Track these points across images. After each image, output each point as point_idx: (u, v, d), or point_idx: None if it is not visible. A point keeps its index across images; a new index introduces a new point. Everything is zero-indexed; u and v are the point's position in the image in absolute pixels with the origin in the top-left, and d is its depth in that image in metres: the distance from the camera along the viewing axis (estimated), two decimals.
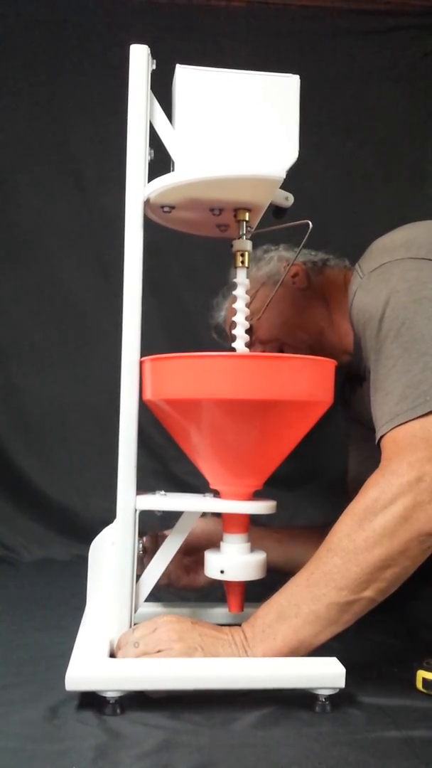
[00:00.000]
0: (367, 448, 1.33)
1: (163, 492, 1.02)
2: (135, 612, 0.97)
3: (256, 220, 1.03)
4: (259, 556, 1.01)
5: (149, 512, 0.99)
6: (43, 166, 1.79)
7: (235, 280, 1.02)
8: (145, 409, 0.98)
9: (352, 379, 1.26)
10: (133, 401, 0.96)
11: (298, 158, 0.97)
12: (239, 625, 0.94)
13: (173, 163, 0.97)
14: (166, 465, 1.77)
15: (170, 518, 1.02)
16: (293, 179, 0.96)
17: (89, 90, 1.77)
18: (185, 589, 1.22)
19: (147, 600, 1.01)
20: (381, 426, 0.96)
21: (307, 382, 0.94)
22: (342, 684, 0.87)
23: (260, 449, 0.98)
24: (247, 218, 1.00)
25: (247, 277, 1.02)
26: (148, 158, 0.97)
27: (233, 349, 1.01)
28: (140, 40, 0.96)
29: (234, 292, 1.02)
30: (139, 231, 0.96)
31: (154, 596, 1.06)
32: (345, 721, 0.85)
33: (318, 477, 1.76)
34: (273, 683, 0.88)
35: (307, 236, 1.14)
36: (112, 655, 0.93)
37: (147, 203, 0.97)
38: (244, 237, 1.00)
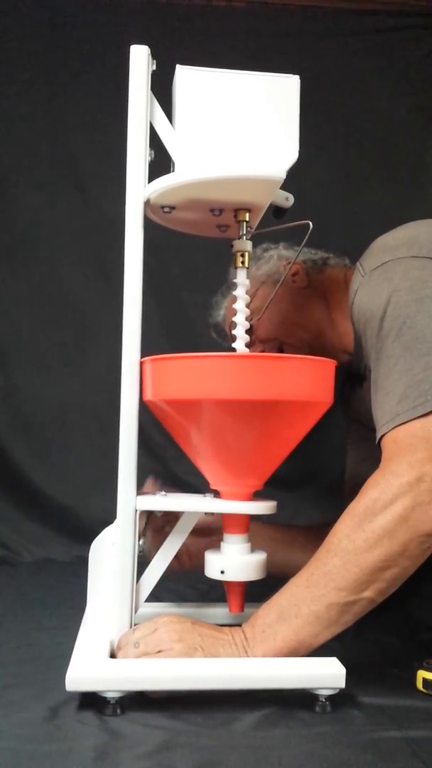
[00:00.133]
0: (366, 448, 1.33)
1: (163, 492, 1.02)
2: (135, 612, 0.97)
3: (256, 221, 1.03)
4: (260, 557, 1.01)
5: None
6: (43, 166, 1.79)
7: (235, 280, 1.02)
8: (145, 410, 0.98)
9: (352, 379, 1.26)
10: (133, 401, 0.96)
11: (298, 158, 0.97)
12: (239, 625, 0.94)
13: (173, 163, 0.97)
14: (166, 465, 1.77)
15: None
16: (293, 179, 0.96)
17: (89, 90, 1.77)
18: (193, 570, 1.21)
19: (147, 600, 1.01)
20: (381, 425, 0.95)
21: (307, 382, 0.94)
22: (342, 684, 0.87)
23: (260, 449, 0.98)
24: (247, 219, 1.00)
25: (247, 277, 1.02)
26: (148, 159, 0.97)
27: (233, 349, 1.01)
28: (140, 41, 0.96)
29: (234, 293, 1.02)
30: (139, 231, 0.96)
31: (155, 596, 1.06)
32: (345, 721, 0.85)
33: (318, 477, 1.76)
34: (273, 683, 0.88)
35: (307, 236, 1.14)
36: (113, 655, 0.93)
37: (147, 204, 0.97)
38: (244, 237, 1.00)
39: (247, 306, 1.02)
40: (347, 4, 1.83)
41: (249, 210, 0.99)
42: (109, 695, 0.86)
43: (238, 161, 0.95)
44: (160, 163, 0.99)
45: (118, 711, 0.86)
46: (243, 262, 1.01)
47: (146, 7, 1.77)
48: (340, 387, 1.02)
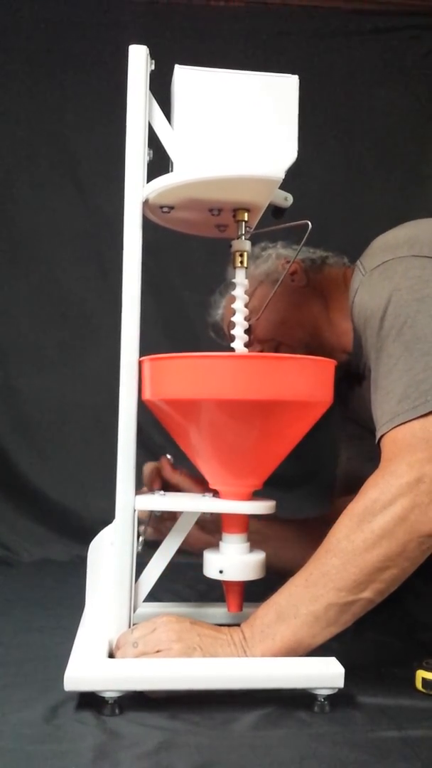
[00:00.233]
0: (359, 446, 1.33)
1: (162, 492, 1.02)
2: (134, 612, 0.97)
3: (255, 221, 1.03)
4: (258, 556, 1.01)
5: None
6: (43, 166, 1.79)
7: (234, 280, 1.02)
8: (144, 409, 0.98)
9: (351, 378, 1.26)
10: (132, 401, 0.96)
11: (298, 158, 0.96)
12: (238, 625, 0.94)
13: (172, 163, 0.97)
14: None
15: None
16: (292, 179, 0.96)
17: (88, 90, 1.77)
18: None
19: (146, 600, 1.01)
20: (381, 425, 0.95)
21: (306, 382, 0.94)
22: (341, 684, 0.87)
23: (260, 449, 0.98)
24: (246, 218, 1.00)
25: (246, 277, 1.02)
26: (147, 159, 0.97)
27: (231, 348, 1.01)
28: (139, 41, 0.96)
29: (233, 293, 1.02)
30: (138, 231, 0.96)
31: (153, 596, 1.06)
32: (344, 721, 0.85)
33: (317, 477, 1.76)
34: (272, 683, 0.88)
35: (306, 237, 1.13)
36: (111, 655, 0.93)
37: (146, 203, 0.97)
38: (243, 237, 1.00)
39: (246, 306, 1.02)
40: (347, 4, 1.83)
41: (248, 210, 0.99)
42: (107, 695, 0.86)
43: (237, 161, 0.95)
44: (159, 163, 0.98)
45: (117, 711, 0.86)
46: (242, 262, 1.01)
47: (146, 7, 1.77)
48: (337, 386, 1.01)
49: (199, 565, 1.03)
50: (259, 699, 0.89)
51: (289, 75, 0.97)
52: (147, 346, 0.97)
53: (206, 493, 1.03)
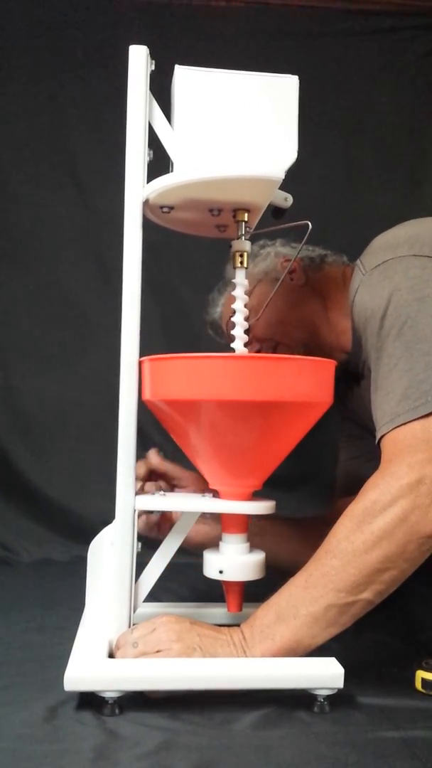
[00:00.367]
0: (358, 446, 1.33)
1: (162, 492, 1.02)
2: (134, 612, 0.97)
3: (255, 221, 1.03)
4: (258, 557, 1.01)
5: None
6: (43, 166, 1.79)
7: (234, 280, 1.02)
8: (144, 409, 0.98)
9: (350, 377, 1.26)
10: (132, 401, 0.96)
11: (298, 158, 0.96)
12: (238, 625, 0.94)
13: (172, 163, 0.97)
14: None
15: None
16: (292, 180, 0.96)
17: (88, 90, 1.77)
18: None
19: (146, 600, 1.01)
20: (381, 426, 0.95)
21: (306, 383, 0.94)
22: (341, 684, 0.87)
23: (260, 450, 0.98)
24: (246, 219, 0.99)
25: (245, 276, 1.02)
26: (147, 159, 0.97)
27: (230, 347, 1.01)
28: (140, 41, 0.96)
29: (233, 293, 1.02)
30: (138, 231, 0.96)
31: (153, 596, 1.06)
32: (344, 721, 0.85)
33: (317, 478, 1.76)
34: (272, 683, 0.88)
35: (306, 237, 1.13)
36: (111, 655, 0.93)
37: (146, 204, 0.97)
38: (243, 237, 1.00)
39: (245, 305, 1.02)
40: (347, 4, 1.83)
41: (248, 210, 0.99)
42: (107, 695, 0.86)
43: (237, 161, 0.95)
44: (159, 163, 0.98)
45: (117, 711, 0.86)
46: (242, 262, 1.01)
47: (146, 7, 1.77)
48: (336, 385, 1.01)
49: (199, 565, 1.03)
50: (259, 699, 0.89)
51: (289, 75, 0.97)
52: (147, 346, 0.97)
53: (206, 494, 1.03)
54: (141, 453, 0.97)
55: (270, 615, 0.91)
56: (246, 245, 1.01)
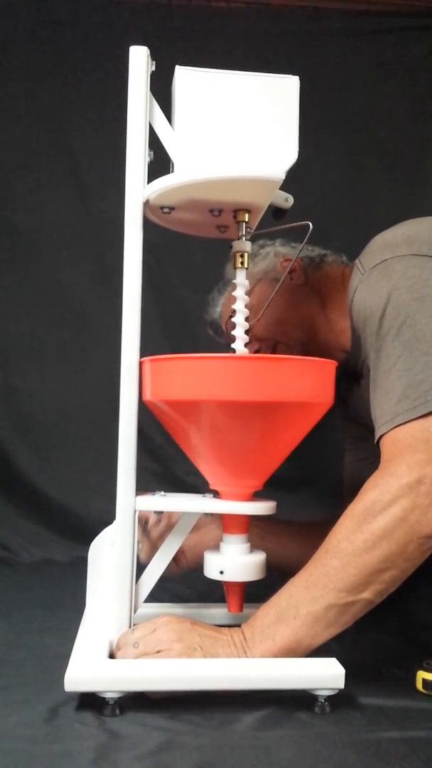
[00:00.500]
0: (363, 448, 1.33)
1: (162, 492, 1.02)
2: (134, 612, 0.97)
3: (256, 221, 1.03)
4: (259, 557, 1.01)
5: None
6: (43, 166, 1.79)
7: (234, 280, 1.02)
8: (145, 410, 0.98)
9: (350, 377, 1.26)
10: (132, 402, 0.96)
11: (298, 159, 0.96)
12: (239, 625, 0.94)
13: (173, 164, 0.97)
14: (166, 465, 1.77)
15: None
16: (293, 180, 0.96)
17: (89, 91, 1.77)
18: (190, 568, 1.22)
19: (146, 600, 1.01)
20: (380, 425, 0.95)
21: (307, 383, 0.94)
22: (341, 685, 0.87)
23: (260, 450, 0.98)
24: (246, 219, 0.99)
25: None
26: (147, 159, 0.97)
27: (230, 347, 1.01)
28: (140, 41, 0.96)
29: (233, 293, 1.02)
30: (138, 232, 0.96)
31: (154, 597, 1.06)
32: (345, 721, 0.86)
33: (318, 478, 1.76)
34: (272, 684, 0.88)
35: (307, 238, 1.13)
36: (112, 655, 0.93)
37: (146, 204, 0.97)
38: (244, 238, 1.00)
39: (246, 306, 1.02)
40: (347, 4, 1.83)
41: (248, 211, 0.99)
42: (108, 695, 0.86)
43: (238, 162, 0.95)
44: (160, 163, 0.98)
45: (117, 711, 0.86)
46: (242, 263, 1.01)
47: (146, 8, 1.77)
48: (336, 385, 1.01)
49: (200, 566, 1.03)
50: (260, 699, 0.89)
51: (290, 76, 0.97)
52: (147, 346, 0.97)
53: (206, 494, 1.03)
54: (141, 453, 0.97)
55: (270, 615, 0.91)
56: (246, 246, 1.01)
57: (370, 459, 0.94)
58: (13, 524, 1.75)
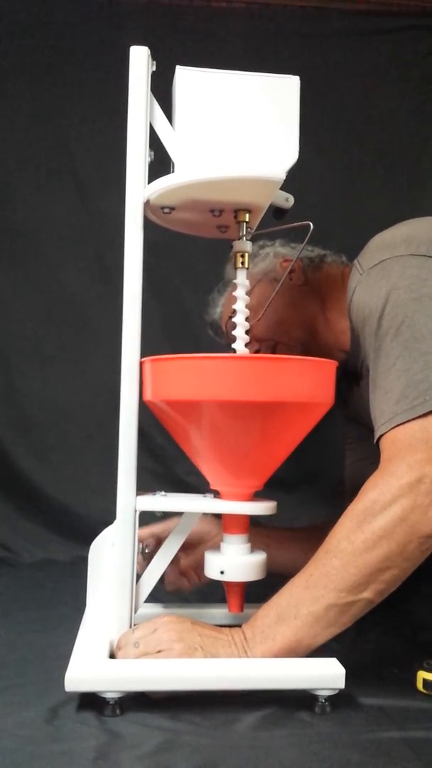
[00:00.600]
0: (364, 448, 1.33)
1: (163, 492, 1.02)
2: (135, 612, 0.97)
3: (256, 221, 1.03)
4: (260, 557, 1.01)
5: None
6: (44, 167, 1.79)
7: (234, 281, 1.02)
8: (145, 410, 0.98)
9: (349, 377, 1.26)
10: (133, 402, 0.96)
11: (299, 159, 0.96)
12: (239, 625, 0.94)
13: (173, 164, 0.97)
14: (166, 465, 1.77)
15: None
16: (293, 180, 0.96)
17: (89, 91, 1.77)
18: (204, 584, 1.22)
19: (147, 600, 1.01)
20: (380, 425, 0.95)
21: (308, 383, 0.94)
22: (342, 685, 0.87)
23: (261, 450, 0.98)
24: (247, 219, 0.99)
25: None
26: (148, 159, 0.97)
27: (231, 347, 1.01)
28: (140, 41, 0.96)
29: (234, 293, 1.02)
30: (139, 232, 0.96)
31: (154, 597, 1.06)
32: (345, 721, 0.86)
33: (318, 478, 1.76)
34: (273, 684, 0.88)
35: (307, 238, 1.13)
36: (112, 655, 0.93)
37: (147, 204, 0.97)
38: (244, 238, 1.00)
39: (247, 307, 1.02)
40: (347, 4, 1.83)
41: (249, 211, 0.99)
42: (108, 695, 0.86)
43: (238, 162, 0.95)
44: (160, 163, 0.98)
45: (118, 711, 0.86)
46: (243, 263, 1.01)
47: (146, 8, 1.77)
48: (336, 386, 1.01)
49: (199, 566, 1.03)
50: (260, 700, 0.89)
51: (290, 76, 0.97)
52: (147, 347, 0.97)
53: (207, 494, 1.03)
54: (141, 453, 0.97)
55: (271, 615, 0.91)
56: (247, 246, 1.01)
57: (371, 459, 0.94)
58: (13, 524, 1.74)
